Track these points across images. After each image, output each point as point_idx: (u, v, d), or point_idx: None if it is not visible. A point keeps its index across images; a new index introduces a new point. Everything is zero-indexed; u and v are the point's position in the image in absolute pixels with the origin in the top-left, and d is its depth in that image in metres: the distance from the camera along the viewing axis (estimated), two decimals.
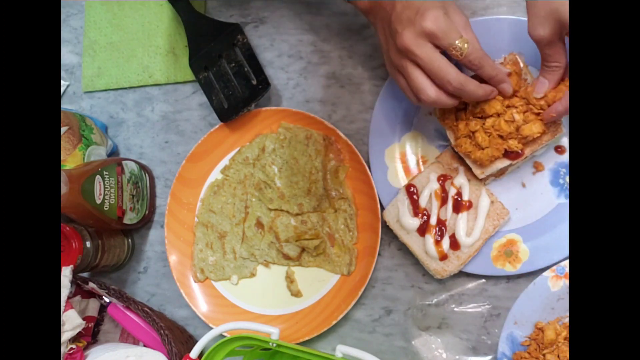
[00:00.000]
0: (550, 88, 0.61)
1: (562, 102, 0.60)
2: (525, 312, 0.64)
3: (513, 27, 0.68)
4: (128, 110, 0.85)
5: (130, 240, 0.81)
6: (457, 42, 0.57)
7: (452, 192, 0.68)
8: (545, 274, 0.64)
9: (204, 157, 0.79)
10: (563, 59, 0.59)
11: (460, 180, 0.68)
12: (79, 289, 0.73)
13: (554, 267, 0.64)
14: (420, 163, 0.72)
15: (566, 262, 0.64)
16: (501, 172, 0.68)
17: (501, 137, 0.63)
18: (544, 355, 0.62)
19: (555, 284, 0.64)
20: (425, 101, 0.59)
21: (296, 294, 0.75)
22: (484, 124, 0.64)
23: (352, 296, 0.72)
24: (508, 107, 0.63)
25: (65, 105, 0.88)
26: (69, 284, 0.65)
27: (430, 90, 0.58)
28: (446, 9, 0.58)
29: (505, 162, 0.65)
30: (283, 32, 0.81)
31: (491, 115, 0.63)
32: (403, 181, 0.72)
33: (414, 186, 0.69)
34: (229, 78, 0.77)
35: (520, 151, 0.64)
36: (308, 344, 0.73)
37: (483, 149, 0.64)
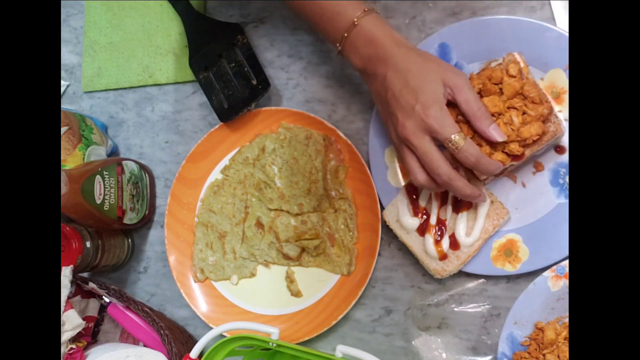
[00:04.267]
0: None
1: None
2: (525, 312, 0.64)
3: (513, 27, 0.68)
4: (128, 110, 0.85)
5: (130, 240, 0.81)
6: (453, 136, 0.59)
7: None
8: (545, 274, 0.64)
9: (204, 157, 0.79)
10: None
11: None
12: (79, 289, 0.73)
13: (554, 267, 0.64)
14: None
15: (566, 262, 0.64)
16: (500, 172, 0.68)
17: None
18: (544, 355, 0.62)
19: (555, 284, 0.64)
20: (414, 182, 0.63)
21: (296, 294, 0.75)
22: None
23: (352, 296, 0.72)
24: (509, 108, 0.63)
25: (65, 105, 0.88)
26: (69, 284, 0.65)
27: (420, 177, 0.62)
28: (447, 86, 0.60)
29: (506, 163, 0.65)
30: (283, 32, 0.81)
31: (492, 114, 0.63)
32: (403, 181, 0.72)
33: (414, 186, 0.69)
34: (229, 78, 0.77)
35: (520, 154, 0.64)
36: (308, 344, 0.73)
37: (482, 147, 0.64)
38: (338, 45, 0.65)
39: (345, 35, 0.64)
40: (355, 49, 0.64)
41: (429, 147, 0.60)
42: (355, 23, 0.63)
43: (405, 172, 0.63)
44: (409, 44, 0.63)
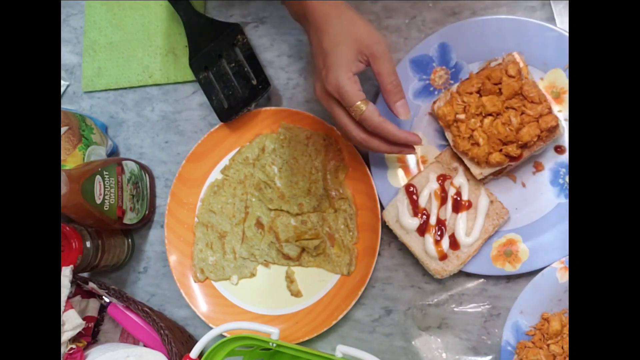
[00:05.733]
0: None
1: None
2: (532, 302, 0.64)
3: (513, 27, 0.68)
4: (128, 110, 0.85)
5: (130, 240, 0.81)
6: (354, 106, 0.58)
7: (452, 191, 0.68)
8: (554, 265, 0.64)
9: (204, 157, 0.79)
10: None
11: (460, 180, 0.68)
12: (79, 289, 0.73)
13: (563, 259, 0.64)
14: (420, 163, 0.72)
15: None
16: (499, 172, 0.68)
17: (500, 140, 0.63)
18: (548, 345, 0.62)
19: (564, 275, 0.63)
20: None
21: (296, 294, 0.75)
22: (482, 125, 0.64)
23: (352, 296, 0.72)
24: (507, 108, 0.63)
25: (65, 105, 0.88)
26: (69, 284, 0.65)
27: (341, 132, 0.63)
28: (363, 54, 0.59)
29: (503, 163, 0.65)
30: (283, 32, 0.81)
31: (491, 114, 0.63)
32: (403, 181, 0.72)
33: (414, 186, 0.69)
34: (229, 78, 0.77)
35: (518, 155, 0.64)
36: (308, 344, 0.73)
37: (480, 146, 0.64)
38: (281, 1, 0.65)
39: None
40: (289, 4, 0.64)
41: (338, 112, 0.60)
42: None
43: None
44: (333, 3, 0.60)
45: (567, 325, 0.62)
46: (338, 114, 0.61)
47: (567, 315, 0.63)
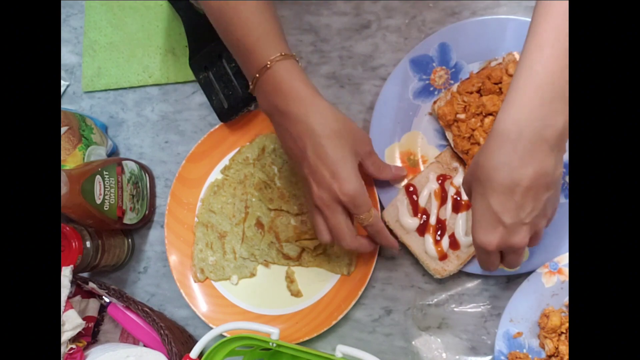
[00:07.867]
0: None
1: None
2: (521, 309, 0.64)
3: (513, 27, 0.68)
4: (128, 110, 0.85)
5: (130, 240, 0.81)
6: (368, 213, 0.61)
7: (452, 191, 0.68)
8: (539, 270, 0.64)
9: (204, 157, 0.79)
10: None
11: (460, 180, 0.68)
12: (79, 289, 0.73)
13: (547, 264, 0.64)
14: (420, 163, 0.72)
15: (559, 258, 0.64)
16: None
17: None
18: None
19: (549, 279, 0.63)
20: (319, 240, 0.65)
21: (296, 294, 0.75)
22: (482, 125, 0.64)
23: (352, 296, 0.72)
24: None
25: (65, 105, 0.88)
26: (69, 284, 0.65)
27: (326, 237, 0.63)
28: (359, 154, 0.62)
29: None
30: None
31: (491, 114, 0.63)
32: (403, 181, 0.72)
33: (414, 186, 0.69)
34: (229, 78, 0.77)
35: None
36: (308, 344, 0.73)
37: (481, 145, 0.64)
38: (250, 83, 0.63)
39: (257, 75, 0.61)
40: (264, 93, 0.61)
41: (340, 219, 0.61)
42: (268, 66, 0.60)
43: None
44: (321, 101, 0.60)
45: (565, 323, 0.62)
46: (341, 223, 0.61)
47: (565, 315, 0.63)
